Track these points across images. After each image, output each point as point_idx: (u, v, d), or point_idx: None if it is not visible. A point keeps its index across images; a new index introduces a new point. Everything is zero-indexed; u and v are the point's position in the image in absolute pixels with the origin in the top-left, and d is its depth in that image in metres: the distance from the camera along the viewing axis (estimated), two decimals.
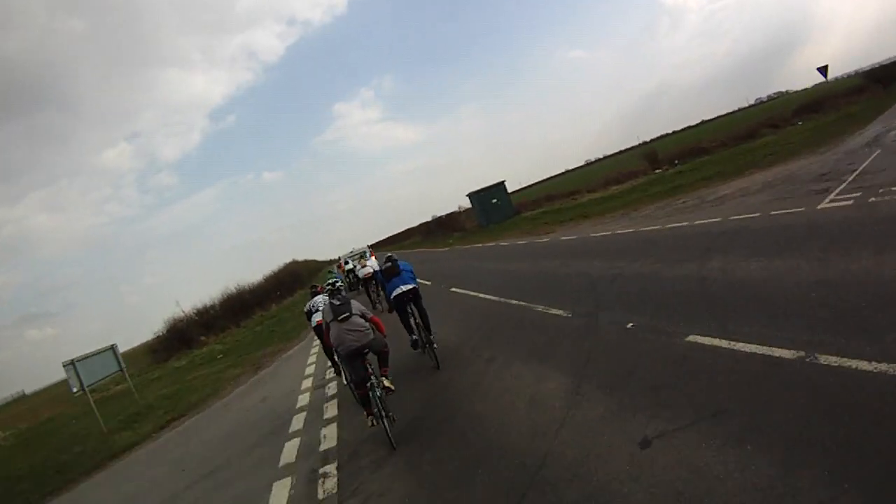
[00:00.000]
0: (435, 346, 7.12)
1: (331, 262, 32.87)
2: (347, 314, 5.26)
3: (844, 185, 9.11)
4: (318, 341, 10.26)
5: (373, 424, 5.20)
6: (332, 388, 8.61)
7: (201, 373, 16.72)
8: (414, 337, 7.42)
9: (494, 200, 34.12)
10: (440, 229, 44.92)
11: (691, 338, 4.82)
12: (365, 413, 5.31)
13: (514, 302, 9.19)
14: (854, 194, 8.12)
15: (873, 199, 7.52)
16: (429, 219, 51.11)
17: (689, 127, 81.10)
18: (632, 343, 5.28)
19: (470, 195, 36.46)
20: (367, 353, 5.21)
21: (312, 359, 12.22)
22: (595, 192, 29.16)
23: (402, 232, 70.53)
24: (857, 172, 9.88)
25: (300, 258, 61.48)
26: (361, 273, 15.75)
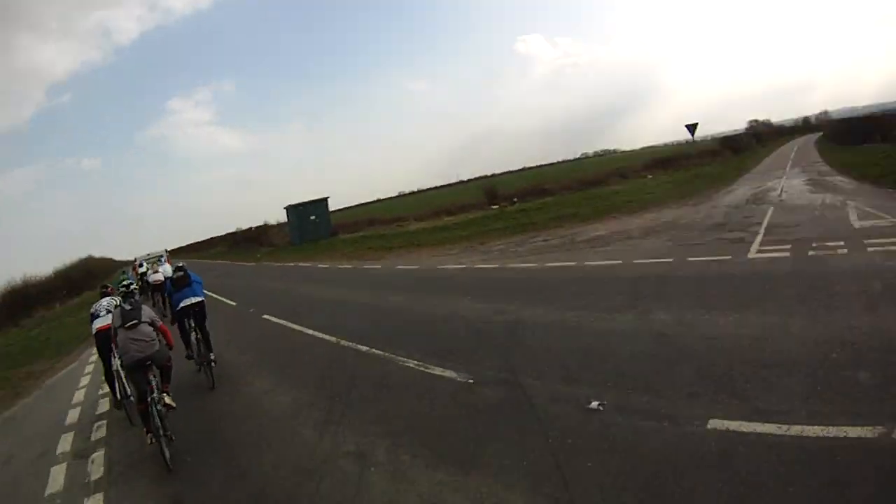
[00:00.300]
0: (213, 363, 6.66)
1: (127, 262, 32.30)
2: (136, 321, 4.83)
3: (760, 236, 8.71)
4: (94, 356, 8.16)
5: (151, 442, 4.71)
6: (98, 458, 5.27)
7: None
8: (189, 352, 7.06)
9: (313, 217, 31.63)
10: (247, 242, 41.62)
11: (714, 423, 3.28)
12: (144, 430, 4.80)
13: (366, 349, 6.45)
14: (784, 246, 7.64)
15: (813, 252, 7.04)
16: (234, 230, 47.43)
17: (527, 168, 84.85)
18: (624, 438, 3.32)
19: (287, 208, 33.46)
20: (150, 364, 4.81)
21: (80, 395, 8.05)
22: (423, 221, 28.20)
23: (207, 240, 64.64)
24: (764, 225, 9.67)
25: (98, 255, 52.76)
26: (152, 279, 14.75)
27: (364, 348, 6.58)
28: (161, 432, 4.60)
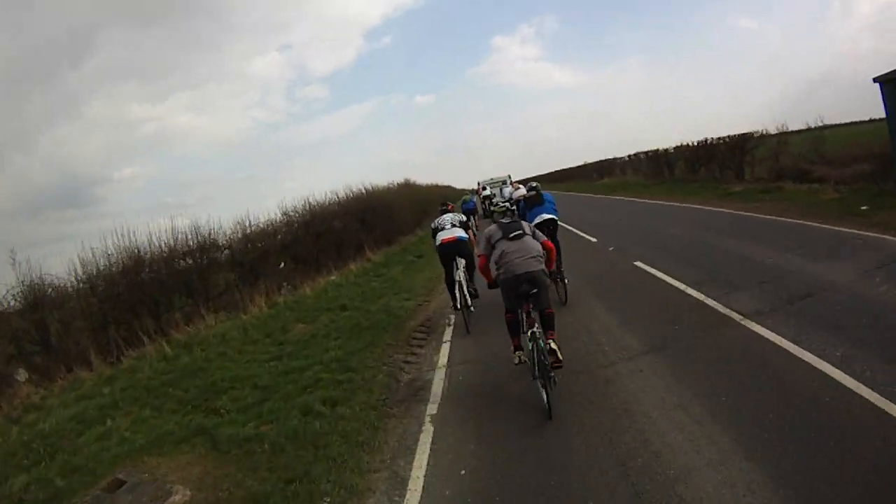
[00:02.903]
0: (566, 280, 6.89)
1: (464, 191, 31.71)
2: (520, 232, 4.47)
3: None
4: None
5: (520, 361, 4.45)
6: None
7: None
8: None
9: None
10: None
11: None
12: (512, 345, 4.56)
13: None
14: None
15: None
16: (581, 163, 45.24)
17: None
18: None
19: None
20: (527, 290, 4.26)
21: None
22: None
23: (550, 173, 61.01)
24: None
25: (442, 183, 50.71)
26: (516, 195, 14.89)
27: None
28: (544, 380, 4.04)
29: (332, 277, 12.75)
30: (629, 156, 32.10)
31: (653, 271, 7.72)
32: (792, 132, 17.96)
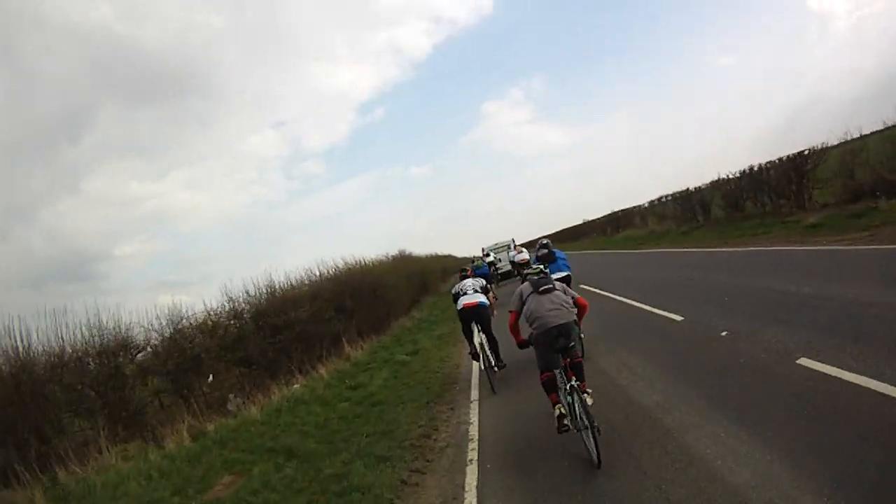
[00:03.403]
0: (582, 335, 6.07)
1: (465, 259, 30.79)
2: (550, 286, 4.42)
3: None
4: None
5: (563, 427, 4.05)
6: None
7: None
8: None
9: None
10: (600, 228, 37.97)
11: None
12: (551, 401, 4.22)
13: None
14: None
15: None
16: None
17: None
18: None
19: None
20: (564, 345, 4.15)
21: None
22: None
23: (556, 232, 59.92)
24: None
25: (442, 252, 48.42)
26: (517, 258, 15.91)
27: None
28: (585, 424, 3.88)
29: (296, 386, 9.34)
30: (651, 202, 28.81)
31: (846, 376, 3.86)
32: (856, 139, 14.76)
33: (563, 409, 4.11)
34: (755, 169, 16.99)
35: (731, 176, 18.44)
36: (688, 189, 22.70)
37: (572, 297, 4.49)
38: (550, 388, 4.25)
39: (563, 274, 6.63)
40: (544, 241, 7.26)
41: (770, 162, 16.39)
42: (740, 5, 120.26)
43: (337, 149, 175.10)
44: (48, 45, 68.56)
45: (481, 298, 7.14)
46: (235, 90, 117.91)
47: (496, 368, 6.83)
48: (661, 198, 26.29)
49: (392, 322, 14.70)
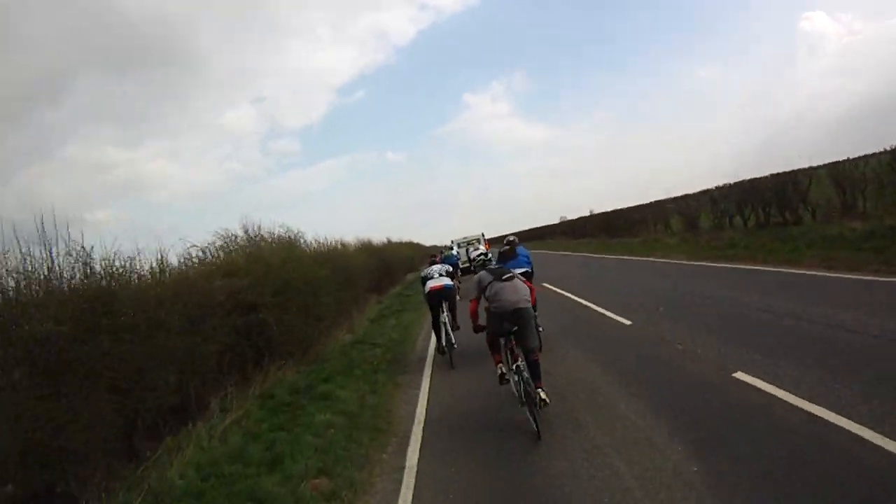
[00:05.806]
0: (540, 328, 6.56)
1: (433, 248, 31.95)
2: (511, 275, 5.02)
3: None
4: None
5: (502, 377, 4.95)
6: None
7: None
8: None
9: None
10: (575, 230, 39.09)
11: None
12: (494, 361, 5.07)
13: None
14: None
15: None
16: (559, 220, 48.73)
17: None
18: None
19: None
20: (514, 329, 4.74)
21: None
22: None
23: (532, 229, 59.77)
24: None
25: (409, 240, 47.11)
26: (474, 254, 16.31)
27: None
28: (524, 399, 4.61)
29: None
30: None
31: None
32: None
33: (503, 368, 4.96)
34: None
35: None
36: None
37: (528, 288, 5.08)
38: (495, 348, 5.03)
39: (523, 270, 6.93)
40: (511, 238, 7.65)
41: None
42: (728, 8, 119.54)
43: (314, 128, 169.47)
44: (27, 6, 64.70)
45: (447, 281, 7.94)
46: (214, 64, 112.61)
47: (455, 344, 7.54)
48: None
49: (336, 333, 9.83)
